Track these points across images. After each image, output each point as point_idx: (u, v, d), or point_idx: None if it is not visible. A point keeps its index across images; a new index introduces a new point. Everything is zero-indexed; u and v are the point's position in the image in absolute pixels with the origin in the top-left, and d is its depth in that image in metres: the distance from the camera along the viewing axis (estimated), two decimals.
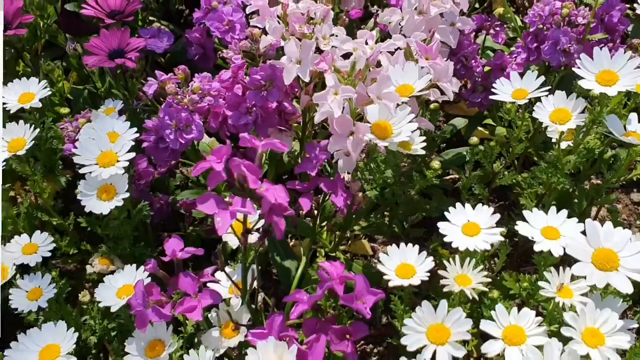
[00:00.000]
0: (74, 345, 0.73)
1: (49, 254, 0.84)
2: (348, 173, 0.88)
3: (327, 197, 0.95)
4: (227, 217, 0.68)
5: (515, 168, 1.10)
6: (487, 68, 1.12)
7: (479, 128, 1.24)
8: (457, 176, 1.25)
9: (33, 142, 0.86)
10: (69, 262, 1.00)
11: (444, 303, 0.65)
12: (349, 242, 1.15)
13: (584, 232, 0.70)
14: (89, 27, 1.17)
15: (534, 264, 0.83)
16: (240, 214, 0.70)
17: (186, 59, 1.17)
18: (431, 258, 0.76)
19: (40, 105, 0.93)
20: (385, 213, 1.06)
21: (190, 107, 0.91)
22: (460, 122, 1.22)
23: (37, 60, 1.13)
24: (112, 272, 0.95)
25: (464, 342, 0.65)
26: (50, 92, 0.94)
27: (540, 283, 0.69)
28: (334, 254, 1.12)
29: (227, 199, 0.70)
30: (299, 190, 0.95)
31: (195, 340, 0.88)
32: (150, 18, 1.31)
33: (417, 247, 0.77)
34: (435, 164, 0.88)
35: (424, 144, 0.82)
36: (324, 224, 1.05)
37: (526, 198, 1.01)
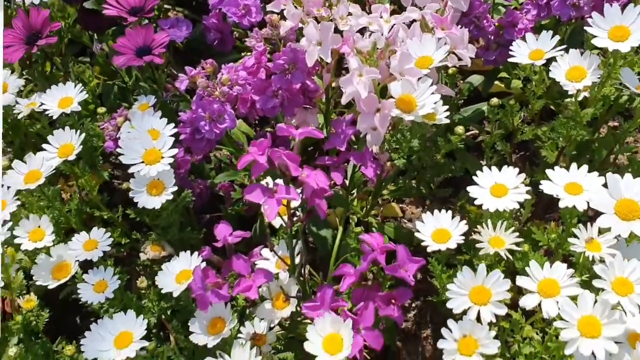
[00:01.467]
0: (145, 331, 0.80)
1: (108, 248, 0.91)
2: (376, 146, 0.93)
3: (357, 168, 1.00)
4: (274, 204, 0.73)
5: (534, 121, 1.14)
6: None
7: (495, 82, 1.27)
8: (476, 132, 1.30)
9: (80, 146, 0.92)
10: (121, 251, 1.07)
11: (482, 267, 0.70)
12: (380, 207, 1.21)
13: (605, 185, 0.75)
14: (108, 23, 1.21)
15: (558, 210, 0.88)
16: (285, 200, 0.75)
17: (203, 43, 1.21)
18: (464, 222, 0.81)
19: (79, 108, 0.99)
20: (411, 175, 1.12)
21: (221, 98, 0.96)
22: (476, 79, 1.25)
23: (65, 61, 1.18)
24: (163, 258, 1.03)
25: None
26: (87, 95, 0.99)
27: (570, 240, 0.75)
28: (366, 219, 1.18)
29: (270, 187, 0.76)
30: (329, 165, 1.00)
31: (247, 311, 0.95)
32: (166, 6, 1.34)
33: (449, 212, 0.83)
34: (460, 129, 0.92)
35: (447, 113, 0.87)
36: (353, 192, 1.11)
37: (547, 149, 1.06)
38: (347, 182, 1.06)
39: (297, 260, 0.87)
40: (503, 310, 0.68)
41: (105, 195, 1.07)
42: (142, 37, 1.03)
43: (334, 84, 1.06)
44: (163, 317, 0.98)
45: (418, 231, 0.82)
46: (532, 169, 1.16)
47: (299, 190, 0.76)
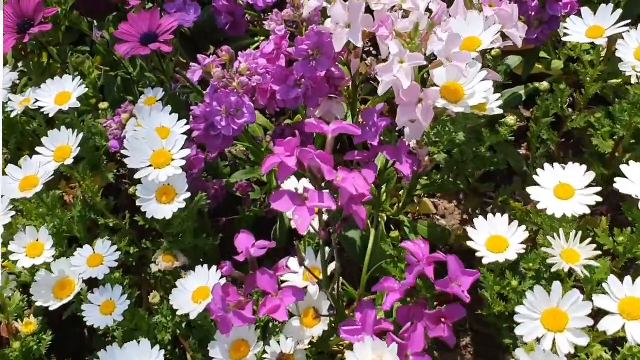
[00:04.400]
0: None
1: (115, 264, 0.81)
2: (415, 140, 0.82)
3: (390, 164, 0.89)
4: (306, 214, 0.63)
5: (580, 107, 1.03)
6: None
7: None
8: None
9: (79, 148, 0.81)
10: (130, 260, 0.97)
11: (557, 285, 0.60)
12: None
13: None
14: (109, 8, 1.10)
15: (623, 211, 0.78)
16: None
17: (213, 27, 1.10)
18: (523, 227, 0.70)
19: (78, 105, 0.88)
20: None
21: (239, 90, 0.85)
22: (514, 61, 1.14)
23: (62, 51, 1.07)
24: (177, 269, 0.92)
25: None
26: (87, 89, 0.89)
27: None
28: (397, 218, 1.07)
29: (300, 192, 0.65)
30: (360, 161, 0.89)
31: (271, 325, 0.85)
32: None
33: (506, 216, 0.72)
34: (511, 120, 0.81)
35: (500, 102, 0.76)
36: (382, 187, 1.00)
37: (599, 138, 0.94)
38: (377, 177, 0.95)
39: (329, 269, 0.76)
40: (584, 340, 0.58)
41: (111, 199, 0.96)
42: (147, 22, 0.92)
43: (362, 71, 0.95)
44: (178, 332, 0.88)
45: (470, 239, 0.71)
46: (578, 160, 1.05)
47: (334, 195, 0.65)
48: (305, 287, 0.81)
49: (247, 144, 0.99)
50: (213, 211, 1.01)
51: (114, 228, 0.96)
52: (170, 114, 0.85)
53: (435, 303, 0.75)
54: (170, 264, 0.92)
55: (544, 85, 0.89)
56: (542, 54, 1.17)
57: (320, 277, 0.80)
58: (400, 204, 1.03)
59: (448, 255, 0.70)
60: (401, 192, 1.03)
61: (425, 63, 0.70)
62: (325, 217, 0.67)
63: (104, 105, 0.95)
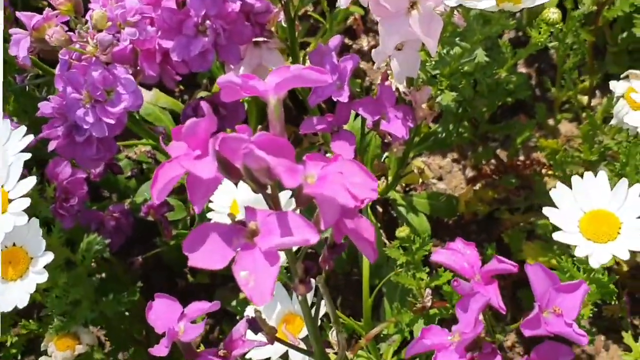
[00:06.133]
0: None
1: None
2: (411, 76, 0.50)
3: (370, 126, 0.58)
4: (262, 265, 0.31)
5: None
6: None
7: None
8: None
9: None
10: (10, 355, 0.63)
11: None
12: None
13: None
14: None
15: None
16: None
17: None
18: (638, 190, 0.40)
19: None
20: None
21: (101, 55, 0.51)
22: None
23: None
24: (81, 356, 0.59)
25: None
26: None
27: None
28: (386, 196, 0.76)
29: (242, 221, 0.32)
30: (324, 131, 0.58)
31: None
32: None
33: (604, 174, 0.41)
34: (553, 13, 0.50)
35: None
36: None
37: None
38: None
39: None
40: None
41: None
42: None
43: None
44: None
45: (556, 228, 0.40)
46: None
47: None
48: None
49: (149, 140, 0.66)
50: (122, 248, 0.68)
51: None
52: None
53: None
54: (69, 352, 0.59)
55: None
56: None
57: (303, 331, 0.49)
58: (390, 178, 0.72)
59: (530, 266, 0.38)
60: (386, 161, 0.72)
61: None
62: (298, 254, 0.35)
63: None
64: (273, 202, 0.33)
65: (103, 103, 0.49)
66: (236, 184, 0.33)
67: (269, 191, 0.33)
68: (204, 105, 0.30)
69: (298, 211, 0.32)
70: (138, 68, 0.56)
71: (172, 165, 0.31)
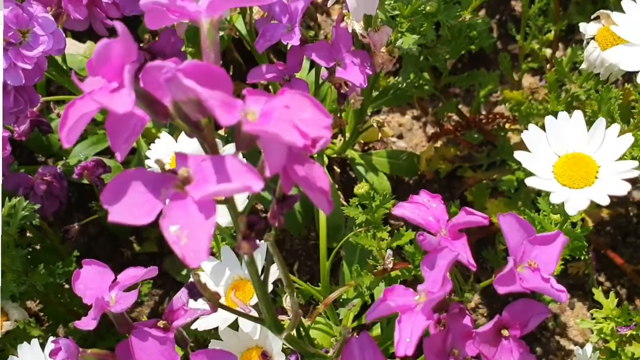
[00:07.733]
0: None
1: None
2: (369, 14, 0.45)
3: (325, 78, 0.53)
4: (195, 218, 0.26)
5: None
6: None
7: None
8: None
9: None
10: None
11: None
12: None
13: None
14: None
15: None
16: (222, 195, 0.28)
17: None
18: (629, 135, 0.36)
19: None
20: None
21: None
22: None
23: None
24: (8, 333, 0.54)
25: None
26: None
27: None
28: (343, 156, 0.72)
29: (174, 170, 0.27)
30: (274, 80, 0.53)
31: None
32: None
33: (580, 113, 0.37)
34: None
35: None
36: None
37: None
38: None
39: (270, 278, 0.40)
40: None
41: None
42: None
43: None
44: None
45: (530, 173, 0.36)
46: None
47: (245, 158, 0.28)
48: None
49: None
50: (55, 216, 0.62)
51: None
52: None
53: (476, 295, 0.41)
54: None
55: None
56: None
57: (254, 298, 0.44)
58: (347, 135, 0.67)
59: (504, 216, 0.34)
60: (343, 116, 0.67)
61: None
62: (241, 207, 0.30)
63: None
64: (209, 145, 0.28)
65: (17, 46, 0.43)
66: (165, 125, 0.28)
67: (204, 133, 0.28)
68: (117, 24, 0.24)
69: (240, 156, 0.28)
70: (61, 11, 0.49)
71: (83, 100, 0.26)
